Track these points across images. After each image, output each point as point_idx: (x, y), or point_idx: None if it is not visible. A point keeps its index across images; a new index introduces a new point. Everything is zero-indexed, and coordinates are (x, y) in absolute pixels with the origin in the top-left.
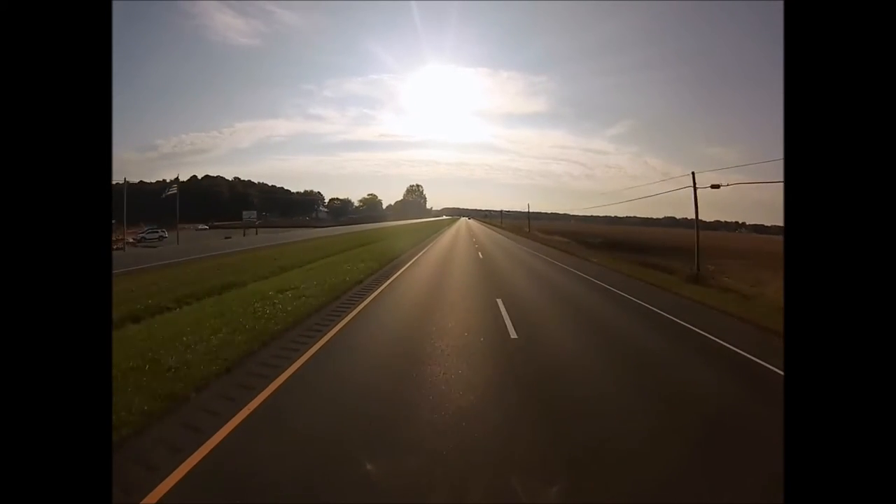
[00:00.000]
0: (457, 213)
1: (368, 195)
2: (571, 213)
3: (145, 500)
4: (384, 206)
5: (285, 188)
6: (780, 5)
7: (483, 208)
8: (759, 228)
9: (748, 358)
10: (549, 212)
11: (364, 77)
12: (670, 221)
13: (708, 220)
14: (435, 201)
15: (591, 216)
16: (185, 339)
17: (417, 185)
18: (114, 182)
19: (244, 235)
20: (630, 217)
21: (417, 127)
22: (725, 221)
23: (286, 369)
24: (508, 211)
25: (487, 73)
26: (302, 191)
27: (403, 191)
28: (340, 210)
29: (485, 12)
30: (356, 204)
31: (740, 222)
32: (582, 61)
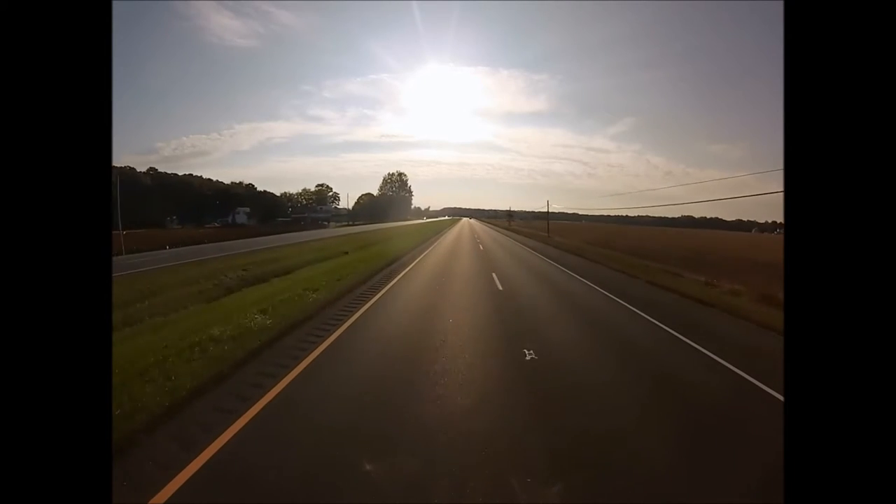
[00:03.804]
0: (458, 213)
1: (317, 186)
2: (581, 213)
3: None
4: (340, 204)
5: (221, 180)
6: (780, 5)
7: (486, 208)
8: None
9: None
10: (557, 211)
11: (363, 77)
12: (688, 221)
13: (728, 220)
14: (435, 201)
15: (602, 215)
16: None
17: (399, 175)
18: None
19: None
20: (643, 217)
21: (418, 127)
22: (749, 221)
23: None
24: (515, 211)
25: (488, 71)
26: (228, 181)
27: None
28: (272, 209)
29: (485, 11)
30: (302, 200)
31: (778, 222)
32: (582, 59)
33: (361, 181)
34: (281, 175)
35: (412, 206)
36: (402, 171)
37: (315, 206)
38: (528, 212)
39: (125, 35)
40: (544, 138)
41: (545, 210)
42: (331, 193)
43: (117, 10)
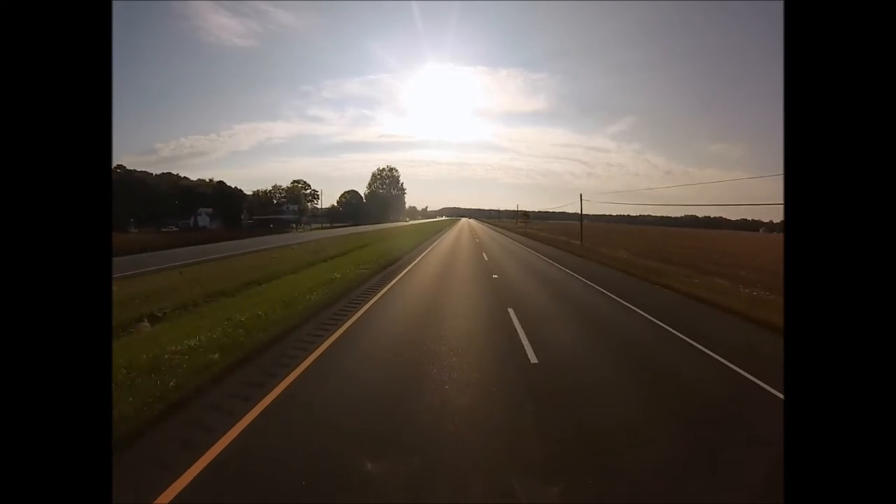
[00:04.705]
0: (457, 213)
1: (293, 183)
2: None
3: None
4: (318, 203)
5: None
6: (780, 5)
7: (485, 208)
8: None
9: None
10: (559, 210)
11: (362, 77)
12: (691, 220)
13: (732, 220)
14: (435, 201)
15: (603, 214)
16: None
17: (391, 170)
18: None
19: None
20: (644, 216)
21: (417, 127)
22: (754, 220)
23: None
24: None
25: (487, 71)
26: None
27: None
28: (239, 210)
29: (484, 11)
30: (274, 198)
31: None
32: (582, 59)
33: (361, 181)
34: (281, 175)
35: (407, 206)
36: (393, 165)
37: (286, 205)
38: (530, 211)
39: (123, 35)
40: (544, 138)
41: (547, 210)
42: (308, 191)
43: (115, 10)
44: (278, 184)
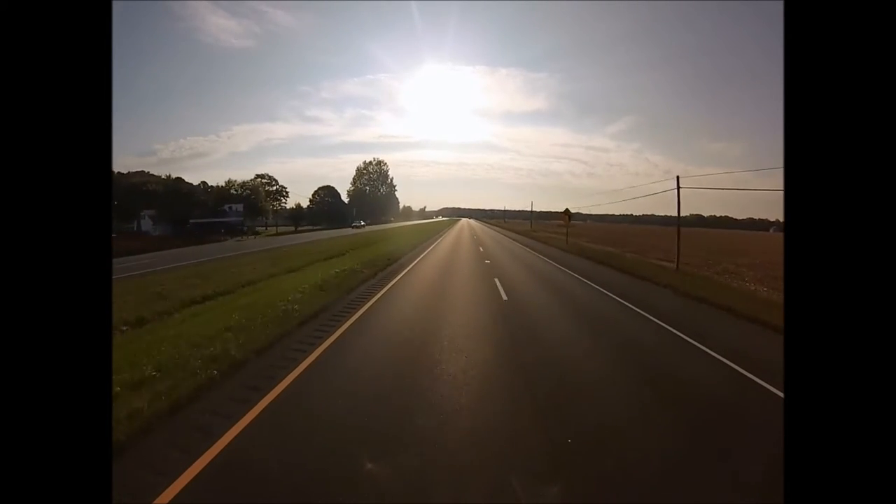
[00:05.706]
0: (457, 213)
1: (255, 178)
2: (584, 213)
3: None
4: (278, 205)
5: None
6: (780, 5)
7: (485, 208)
8: None
9: None
10: (559, 210)
11: (361, 77)
12: (697, 220)
13: (739, 219)
14: (435, 201)
15: (605, 214)
16: None
17: (378, 163)
18: None
19: None
20: (648, 216)
21: (416, 127)
22: (761, 219)
23: None
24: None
25: (486, 70)
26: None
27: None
28: (187, 211)
29: (484, 10)
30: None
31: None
32: (581, 58)
33: None
34: (281, 176)
35: (401, 205)
36: (381, 159)
37: (229, 204)
38: (535, 212)
39: (122, 36)
40: (543, 138)
41: (548, 210)
42: (274, 188)
43: (115, 10)
44: (233, 178)
